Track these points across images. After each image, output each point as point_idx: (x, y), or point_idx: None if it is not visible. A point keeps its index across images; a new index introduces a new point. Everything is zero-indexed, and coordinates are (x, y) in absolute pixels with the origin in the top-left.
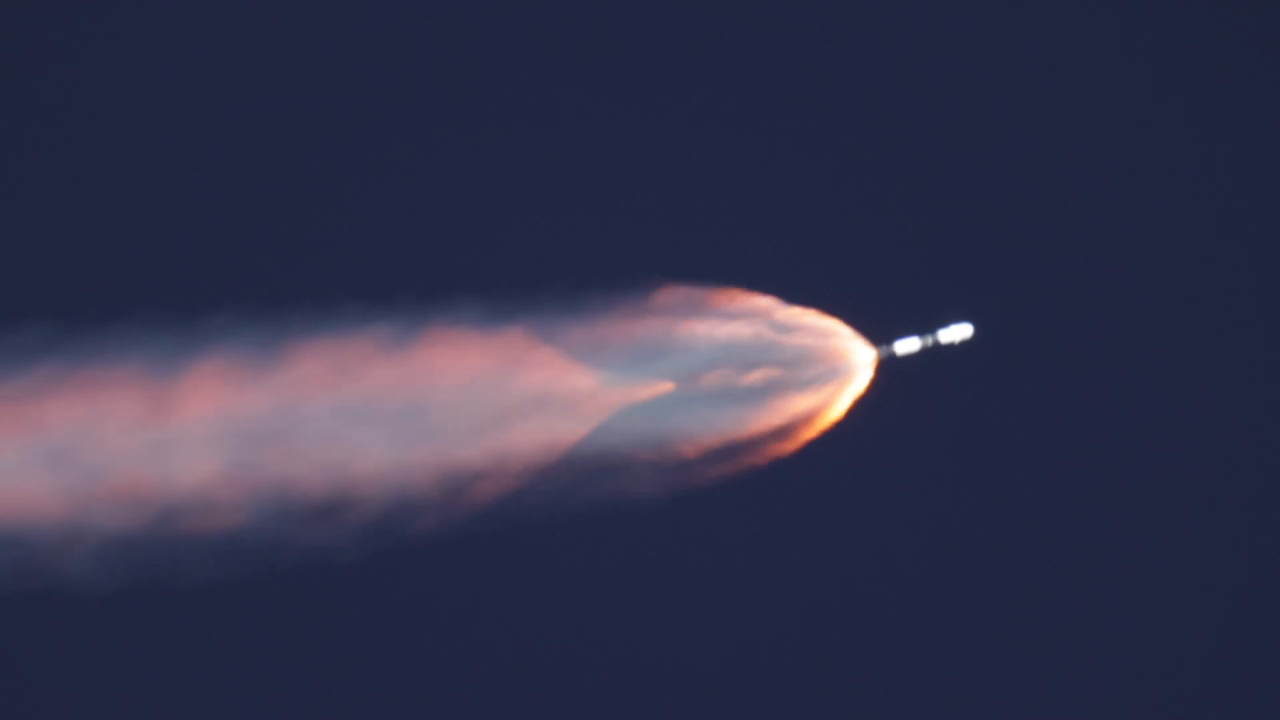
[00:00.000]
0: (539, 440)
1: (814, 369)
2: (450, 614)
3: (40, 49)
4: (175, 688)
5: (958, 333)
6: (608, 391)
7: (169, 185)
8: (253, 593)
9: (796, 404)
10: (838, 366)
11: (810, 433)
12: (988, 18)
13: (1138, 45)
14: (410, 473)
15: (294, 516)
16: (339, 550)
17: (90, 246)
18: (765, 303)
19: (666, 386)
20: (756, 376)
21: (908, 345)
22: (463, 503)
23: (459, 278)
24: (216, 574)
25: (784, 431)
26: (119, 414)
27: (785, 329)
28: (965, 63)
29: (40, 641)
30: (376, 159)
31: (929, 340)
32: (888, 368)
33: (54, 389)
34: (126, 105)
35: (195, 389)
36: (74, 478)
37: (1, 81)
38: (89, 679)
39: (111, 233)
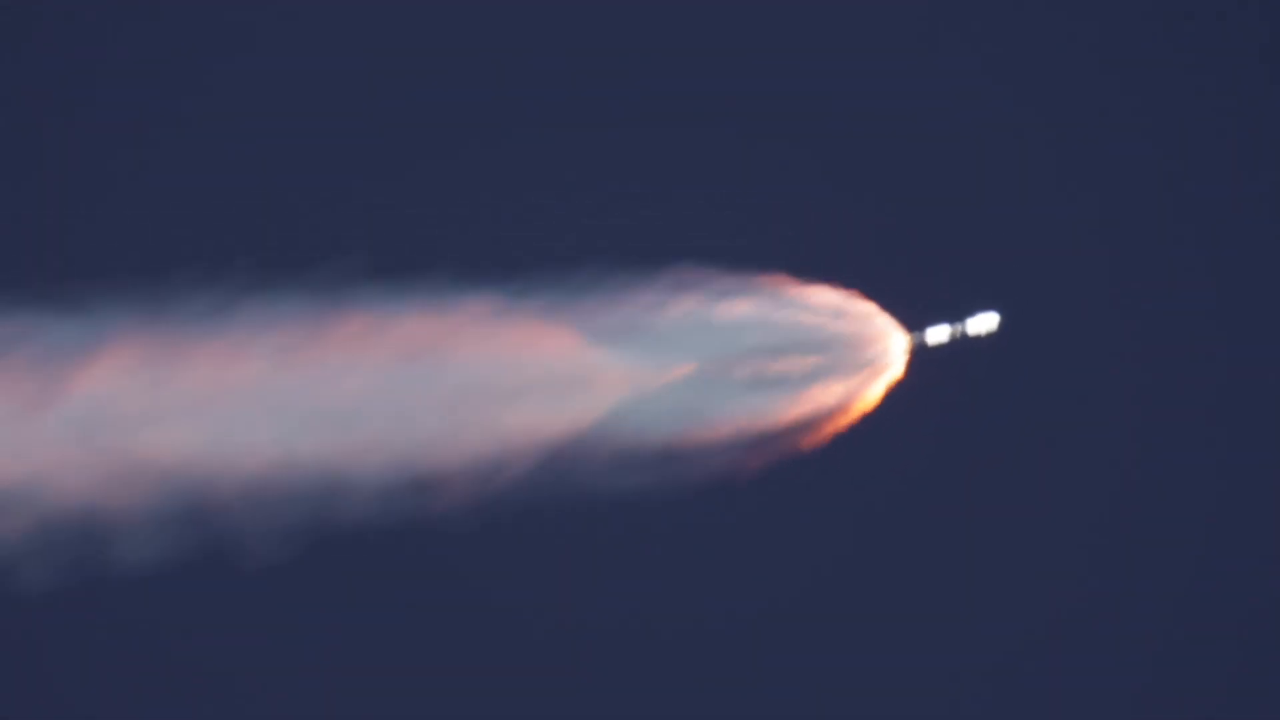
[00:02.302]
0: (551, 422)
1: (847, 355)
2: (460, 598)
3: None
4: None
5: (985, 322)
6: (626, 373)
7: (208, 161)
8: (265, 575)
9: (827, 392)
10: (871, 354)
11: (840, 423)
12: (1018, 9)
13: (1170, 38)
14: (420, 453)
15: (303, 496)
16: (350, 531)
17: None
18: (796, 286)
19: (688, 368)
20: (786, 362)
21: (938, 334)
22: (473, 485)
23: (475, 256)
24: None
25: (813, 421)
26: (138, 384)
27: (816, 312)
28: (998, 54)
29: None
30: (400, 136)
31: (958, 329)
32: (918, 357)
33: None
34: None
35: (212, 362)
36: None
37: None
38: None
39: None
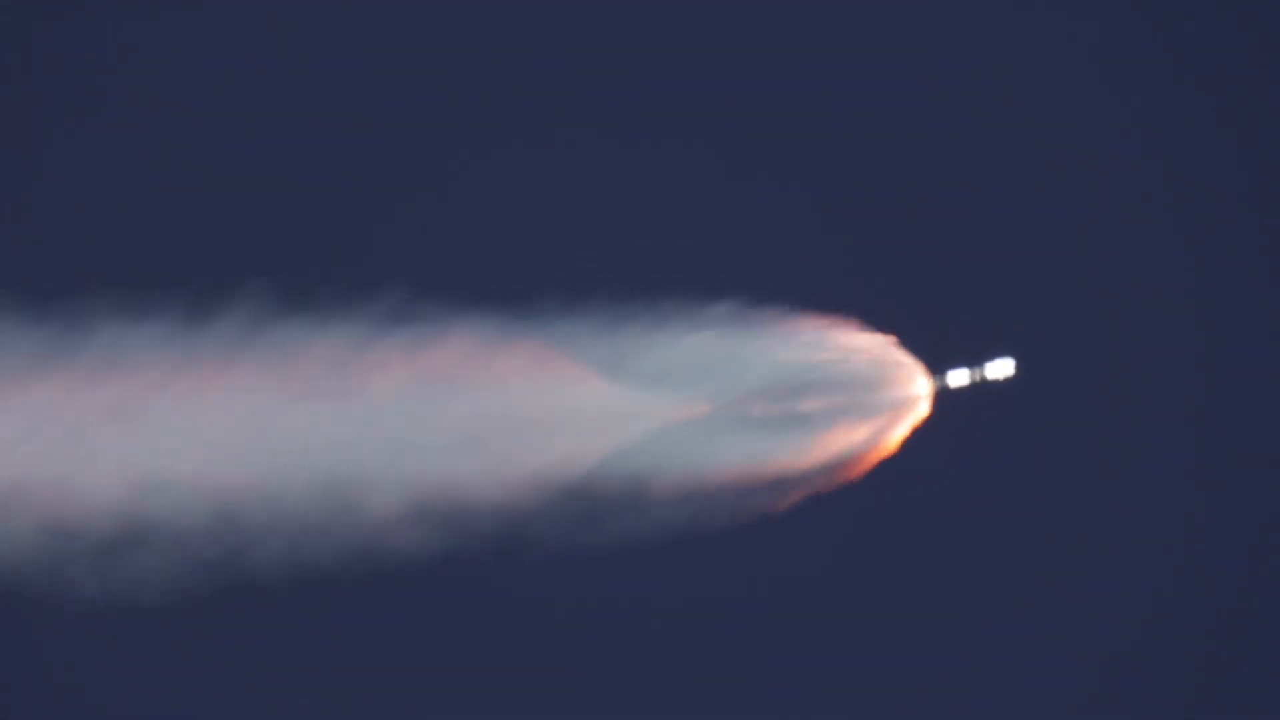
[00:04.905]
0: (560, 459)
1: (869, 397)
2: (445, 645)
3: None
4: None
5: (1002, 368)
6: (634, 410)
7: (189, 180)
8: (246, 605)
9: (847, 435)
10: (895, 396)
11: (859, 468)
12: (1044, 58)
13: (1196, 90)
14: (414, 489)
15: (292, 528)
16: (337, 566)
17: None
18: (818, 324)
19: (705, 406)
20: (805, 403)
21: (958, 377)
22: (467, 524)
23: (486, 285)
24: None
25: (831, 465)
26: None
27: (840, 352)
28: (1017, 106)
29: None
30: (418, 167)
31: (977, 374)
32: (940, 401)
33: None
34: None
35: (225, 386)
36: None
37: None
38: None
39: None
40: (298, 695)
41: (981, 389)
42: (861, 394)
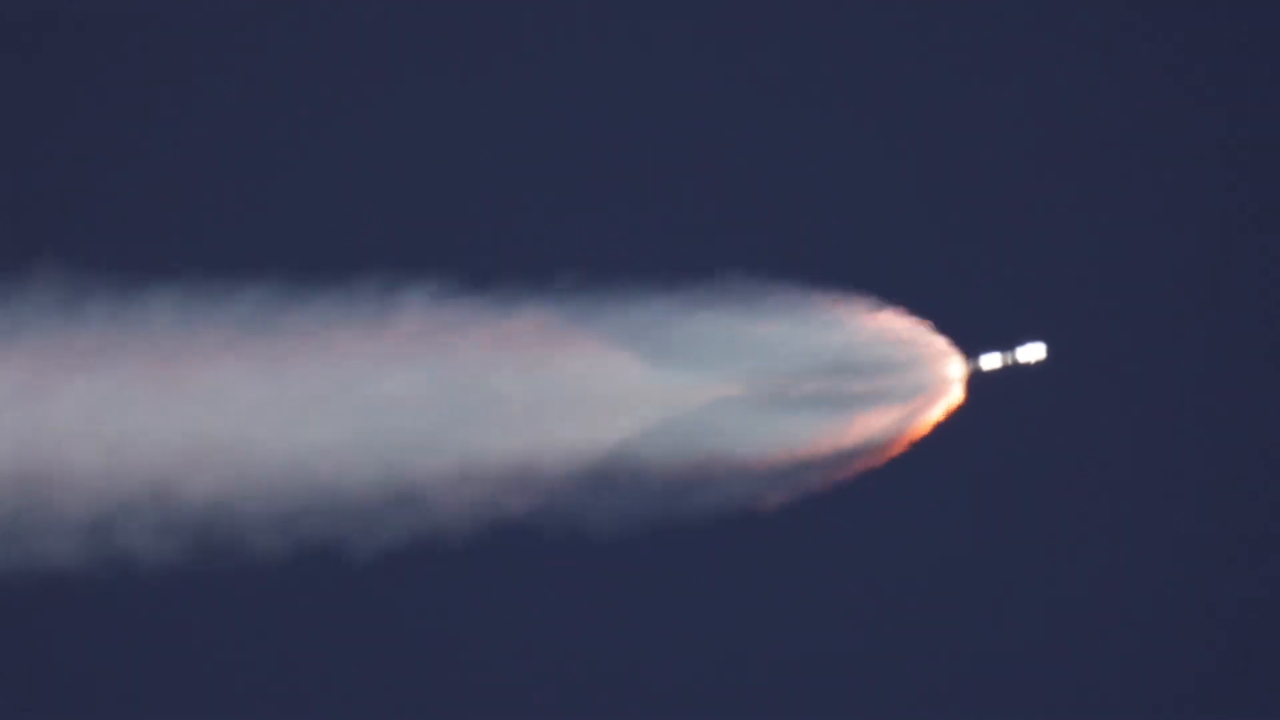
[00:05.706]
0: (577, 441)
1: (903, 379)
2: (462, 629)
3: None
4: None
5: (1032, 352)
6: (662, 390)
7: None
8: (242, 589)
9: (880, 417)
10: (929, 378)
11: (892, 450)
12: (1082, 49)
13: (1232, 76)
14: (427, 471)
15: (299, 512)
16: (348, 553)
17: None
18: (852, 304)
19: (734, 390)
20: (837, 385)
21: (991, 361)
22: (485, 508)
23: (500, 253)
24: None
25: (864, 447)
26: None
27: (873, 334)
28: (1051, 91)
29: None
30: (442, 146)
31: (1009, 358)
32: (972, 384)
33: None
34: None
35: (203, 363)
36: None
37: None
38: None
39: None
40: (336, 675)
41: (1013, 372)
42: (894, 376)
